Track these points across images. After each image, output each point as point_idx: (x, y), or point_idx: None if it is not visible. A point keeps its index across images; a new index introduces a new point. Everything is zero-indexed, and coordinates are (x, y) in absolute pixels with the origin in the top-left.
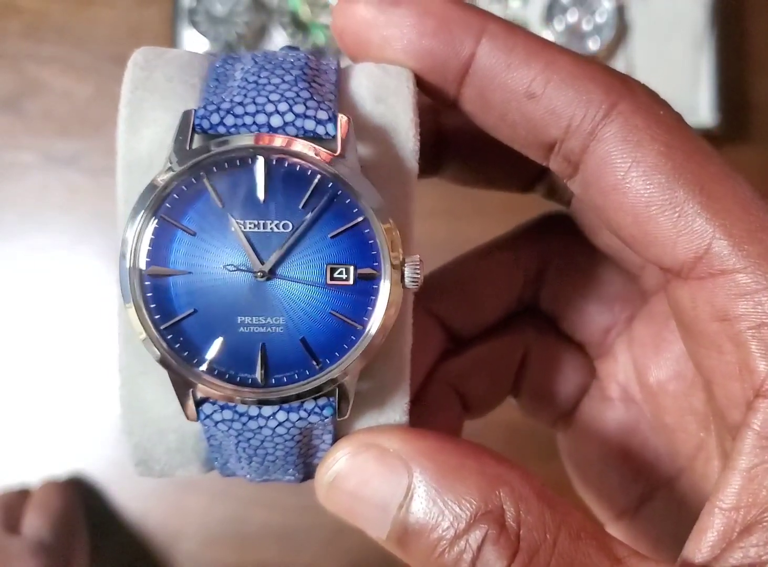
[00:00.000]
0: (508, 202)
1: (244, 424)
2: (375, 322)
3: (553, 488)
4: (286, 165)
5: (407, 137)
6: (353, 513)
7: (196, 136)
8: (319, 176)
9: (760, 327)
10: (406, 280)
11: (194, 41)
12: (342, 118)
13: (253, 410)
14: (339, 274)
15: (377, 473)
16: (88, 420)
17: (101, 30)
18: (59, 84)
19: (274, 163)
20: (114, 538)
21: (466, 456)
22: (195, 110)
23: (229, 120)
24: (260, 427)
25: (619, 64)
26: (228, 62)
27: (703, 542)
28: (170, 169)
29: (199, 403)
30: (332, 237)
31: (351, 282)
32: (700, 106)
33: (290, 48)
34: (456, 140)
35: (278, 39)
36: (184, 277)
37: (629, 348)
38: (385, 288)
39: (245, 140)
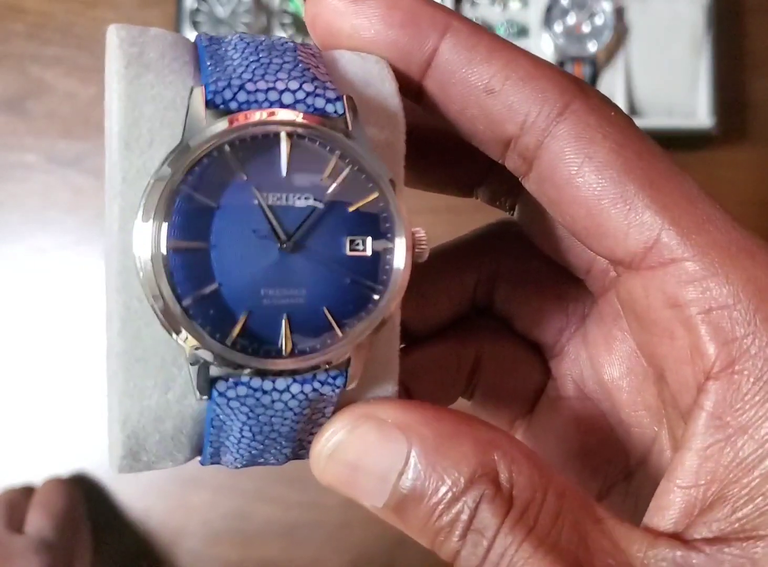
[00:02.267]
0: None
1: (257, 399)
2: (390, 290)
3: None
4: (307, 140)
5: (398, 119)
6: (351, 484)
7: (207, 112)
8: (338, 152)
9: (709, 312)
10: (416, 251)
11: None
12: (349, 98)
13: (267, 384)
14: (357, 245)
15: (377, 443)
16: (90, 419)
17: (104, 31)
18: (63, 85)
19: (295, 138)
20: (117, 535)
21: (460, 423)
22: (206, 85)
23: (242, 96)
24: (273, 401)
25: (618, 66)
26: (214, 42)
27: (665, 519)
28: (187, 146)
29: (212, 381)
30: (351, 210)
31: (368, 253)
32: (698, 108)
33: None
34: None
35: None
36: (202, 251)
37: (583, 347)
38: (399, 258)
39: (266, 115)
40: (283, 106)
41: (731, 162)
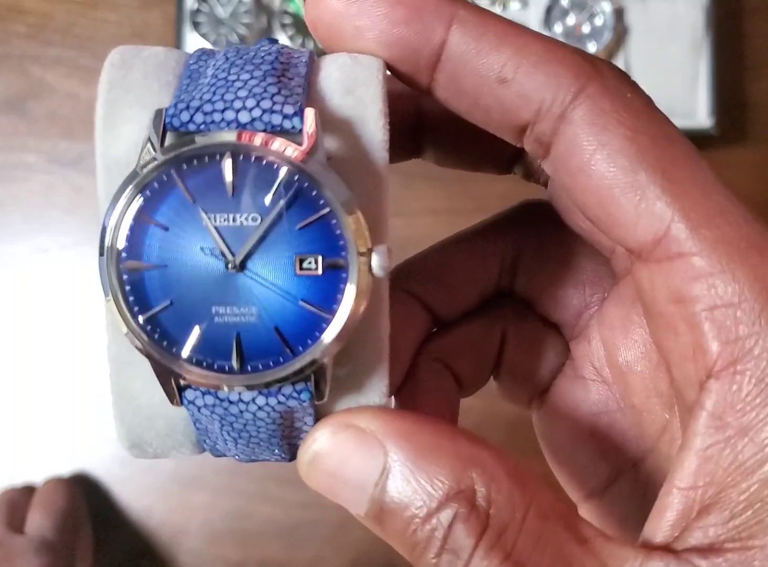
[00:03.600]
0: (508, 200)
1: (225, 408)
2: (344, 309)
3: (554, 479)
4: (253, 159)
5: (376, 128)
6: (333, 492)
7: (168, 134)
8: (285, 169)
9: (713, 309)
10: (374, 268)
11: (197, 43)
12: (309, 112)
13: (233, 395)
14: (308, 264)
15: (354, 453)
16: (91, 418)
17: (105, 32)
18: (63, 86)
19: (241, 157)
20: (117, 535)
21: (441, 436)
22: (166, 109)
23: (199, 117)
24: (241, 412)
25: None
26: (202, 59)
27: (663, 522)
28: (135, 172)
29: (181, 390)
30: (299, 228)
31: (319, 272)
32: (697, 108)
33: (270, 40)
34: (434, 123)
35: (280, 41)
36: (159, 271)
37: (600, 330)
38: (352, 277)
39: (211, 137)
40: (239, 124)
41: (730, 162)
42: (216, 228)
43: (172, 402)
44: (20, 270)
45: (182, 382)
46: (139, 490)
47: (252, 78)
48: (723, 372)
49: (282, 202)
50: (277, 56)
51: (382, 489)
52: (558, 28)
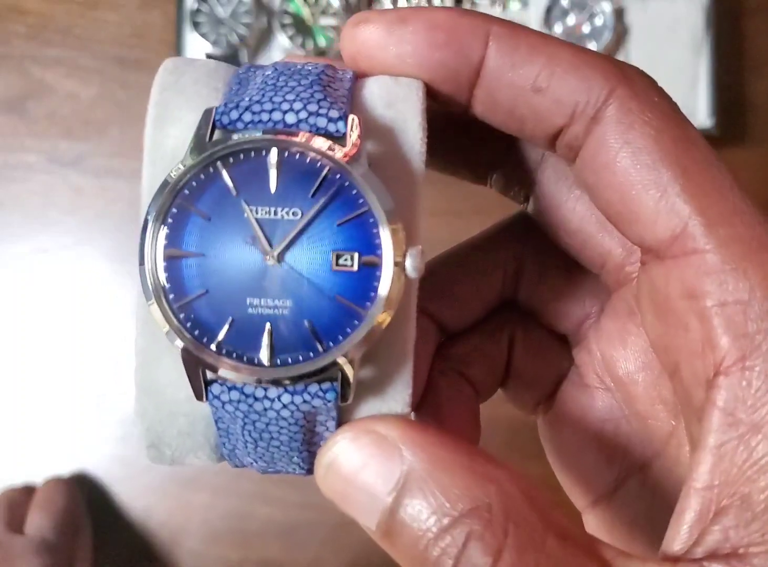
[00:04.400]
0: (507, 201)
1: (250, 405)
2: (377, 307)
3: (553, 482)
4: (297, 156)
5: (415, 139)
6: (347, 498)
7: (216, 132)
8: (327, 168)
9: (723, 305)
10: (407, 268)
11: (197, 43)
12: (353, 118)
13: (259, 392)
14: (344, 260)
15: (373, 459)
16: (91, 418)
17: (105, 32)
18: (63, 86)
19: (286, 154)
20: (117, 535)
21: (459, 452)
22: (216, 107)
23: (247, 116)
24: (265, 409)
25: None
26: (251, 70)
27: (681, 526)
28: (184, 163)
29: (208, 384)
30: (339, 225)
31: (355, 268)
32: (698, 108)
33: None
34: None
35: (280, 41)
36: (197, 259)
37: (598, 343)
38: (387, 275)
39: (258, 133)
40: (286, 125)
41: (731, 163)
42: (257, 220)
43: (198, 397)
44: (20, 269)
45: (209, 376)
46: (139, 491)
47: (299, 85)
48: (732, 368)
49: (323, 199)
50: (324, 70)
51: (396, 499)
52: (558, 28)
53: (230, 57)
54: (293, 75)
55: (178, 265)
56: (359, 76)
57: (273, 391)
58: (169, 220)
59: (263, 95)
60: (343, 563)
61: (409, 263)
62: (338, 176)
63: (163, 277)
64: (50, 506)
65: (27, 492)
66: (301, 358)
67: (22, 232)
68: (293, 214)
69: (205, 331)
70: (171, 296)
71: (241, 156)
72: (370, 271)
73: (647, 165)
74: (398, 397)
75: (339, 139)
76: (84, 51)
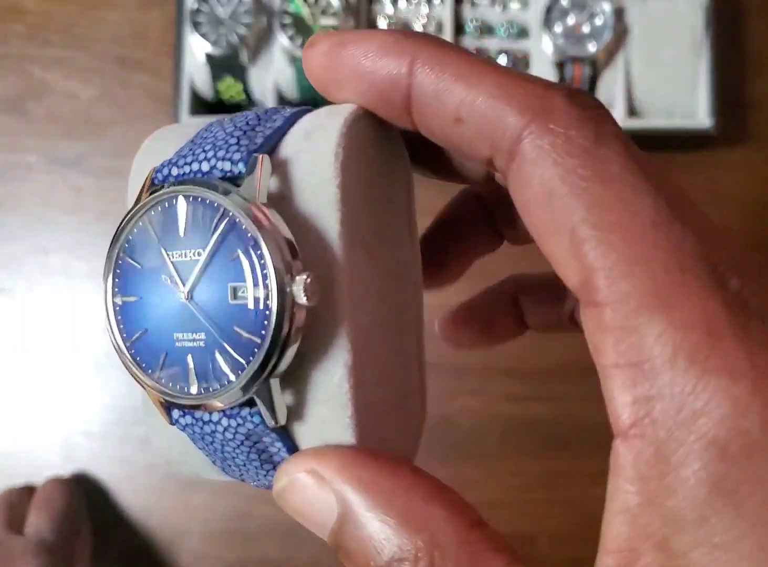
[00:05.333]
0: None
1: (201, 428)
2: (269, 336)
3: (551, 480)
4: (198, 201)
5: (326, 168)
6: (301, 522)
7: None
8: (222, 208)
9: (617, 366)
10: (296, 295)
11: (197, 43)
12: (255, 157)
13: (206, 416)
14: (242, 292)
15: (312, 499)
16: (91, 418)
17: (105, 32)
18: (63, 86)
19: (190, 200)
20: (117, 535)
21: (395, 492)
22: (155, 167)
23: (174, 170)
24: (213, 431)
25: (617, 67)
26: (212, 125)
27: None
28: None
29: (168, 409)
30: (232, 260)
31: (250, 300)
32: (697, 108)
33: (286, 107)
34: (415, 143)
35: (280, 41)
36: (135, 303)
37: None
38: (274, 305)
39: (172, 185)
40: (202, 174)
41: (731, 162)
42: (173, 263)
43: (167, 421)
44: (19, 269)
45: (165, 401)
46: (139, 491)
47: (224, 132)
48: (627, 434)
49: (216, 236)
50: (258, 114)
51: (338, 536)
52: (558, 28)
53: (230, 57)
54: (227, 125)
55: (123, 309)
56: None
57: (215, 415)
58: (117, 271)
59: (190, 149)
60: (342, 564)
61: (296, 291)
62: (230, 214)
63: (114, 320)
64: (50, 506)
65: (27, 492)
66: (219, 386)
67: (21, 232)
68: (197, 254)
69: (148, 364)
70: (124, 336)
71: (159, 207)
72: (261, 302)
73: (555, 208)
74: (338, 420)
75: (242, 178)
76: (84, 51)
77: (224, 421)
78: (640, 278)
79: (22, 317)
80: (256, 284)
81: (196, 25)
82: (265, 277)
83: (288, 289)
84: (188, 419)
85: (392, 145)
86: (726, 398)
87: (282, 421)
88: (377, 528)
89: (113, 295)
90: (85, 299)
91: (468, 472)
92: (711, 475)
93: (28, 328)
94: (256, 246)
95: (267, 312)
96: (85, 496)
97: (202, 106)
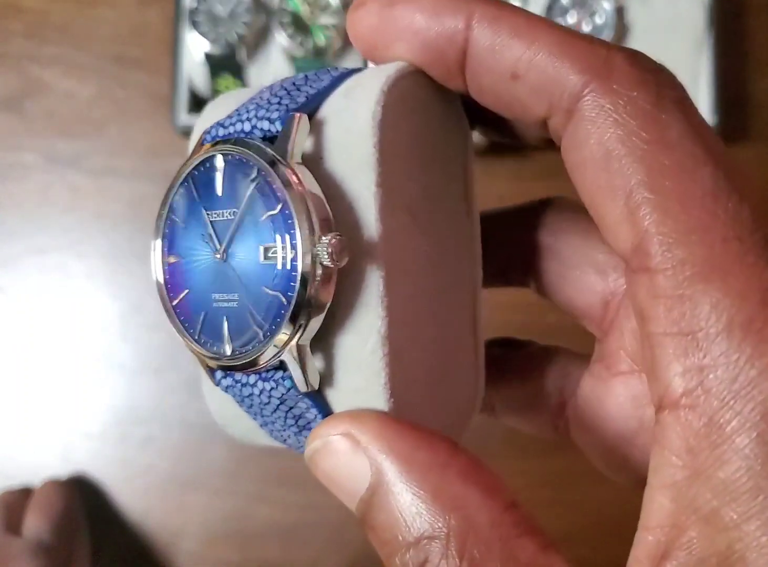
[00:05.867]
0: (507, 200)
1: (240, 390)
2: (294, 297)
3: (555, 480)
4: (236, 160)
5: (364, 123)
6: (330, 488)
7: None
8: (256, 168)
9: (665, 335)
10: (321, 257)
11: (195, 42)
12: (293, 116)
13: (243, 378)
14: (272, 253)
15: (344, 465)
16: (89, 419)
17: (103, 30)
18: (61, 84)
19: (229, 158)
20: (115, 537)
21: (431, 466)
22: (206, 129)
23: (221, 131)
24: (251, 395)
25: None
26: (264, 88)
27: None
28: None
29: (213, 371)
30: (263, 220)
31: (279, 260)
32: (700, 106)
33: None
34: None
35: (279, 40)
36: (179, 263)
37: (630, 318)
38: (299, 265)
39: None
40: (244, 134)
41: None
42: (211, 222)
43: (213, 382)
44: (17, 269)
45: (205, 362)
46: (137, 492)
47: (270, 93)
48: (674, 405)
49: (248, 196)
50: (313, 74)
51: (368, 505)
52: None
53: (229, 55)
54: (274, 85)
55: (170, 270)
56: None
57: (252, 378)
58: (166, 231)
59: (236, 110)
60: (343, 564)
61: (320, 251)
62: (263, 173)
63: (163, 280)
64: (47, 508)
65: (24, 494)
66: (250, 347)
67: (19, 232)
68: (233, 213)
69: (190, 324)
70: (171, 296)
71: (201, 168)
72: (290, 262)
73: (612, 170)
74: (372, 388)
75: (277, 137)
76: (82, 49)
77: (260, 384)
78: (697, 246)
79: (19, 317)
80: (284, 245)
81: (195, 24)
82: (292, 237)
83: (314, 250)
84: (229, 381)
85: (448, 107)
86: None
87: (314, 385)
88: (409, 501)
89: (163, 256)
90: (83, 299)
91: None
92: None
93: (26, 328)
94: (285, 206)
95: (294, 273)
96: (83, 497)
97: (200, 104)
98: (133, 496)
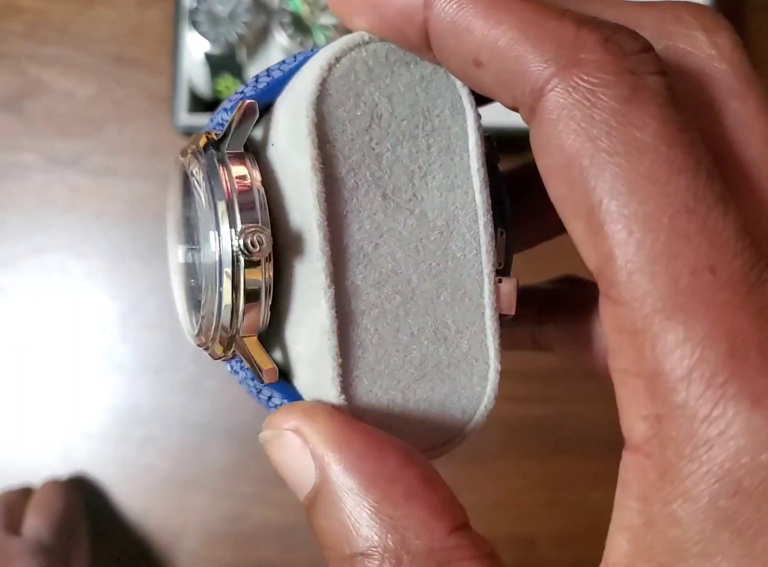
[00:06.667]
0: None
1: (234, 376)
2: (216, 293)
3: (552, 481)
4: (195, 157)
5: (302, 101)
6: (282, 476)
7: None
8: (201, 161)
9: (626, 372)
10: (238, 251)
11: (195, 42)
12: (240, 103)
13: (227, 365)
14: (211, 247)
15: (293, 459)
16: (89, 419)
17: (102, 30)
18: (60, 84)
19: (195, 155)
20: (114, 537)
21: (376, 480)
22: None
23: (210, 125)
24: (240, 381)
25: None
26: None
27: None
28: None
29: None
30: (206, 213)
31: (212, 254)
32: None
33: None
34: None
35: (279, 40)
36: (193, 249)
37: None
38: (221, 259)
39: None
40: (216, 126)
41: None
42: (185, 218)
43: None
44: (17, 269)
45: None
46: (137, 493)
47: (244, 84)
48: (635, 449)
49: (198, 190)
50: (287, 58)
51: (311, 506)
52: None
53: (229, 55)
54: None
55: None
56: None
57: (234, 364)
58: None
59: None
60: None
61: (239, 245)
62: (204, 168)
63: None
64: (47, 508)
65: (24, 493)
66: (208, 340)
67: (18, 232)
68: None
69: (197, 307)
70: None
71: (184, 171)
72: (218, 256)
73: (576, 182)
74: (324, 384)
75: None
76: (81, 49)
77: (231, 367)
78: (662, 277)
79: (19, 317)
80: (214, 239)
81: (195, 24)
82: (218, 231)
83: (233, 244)
84: (227, 367)
85: (432, 72)
86: (744, 428)
87: (269, 379)
88: (349, 513)
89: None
90: (83, 299)
91: (468, 474)
92: (720, 509)
93: (25, 328)
94: (210, 199)
95: (220, 267)
96: (82, 497)
97: (200, 104)
98: (132, 496)
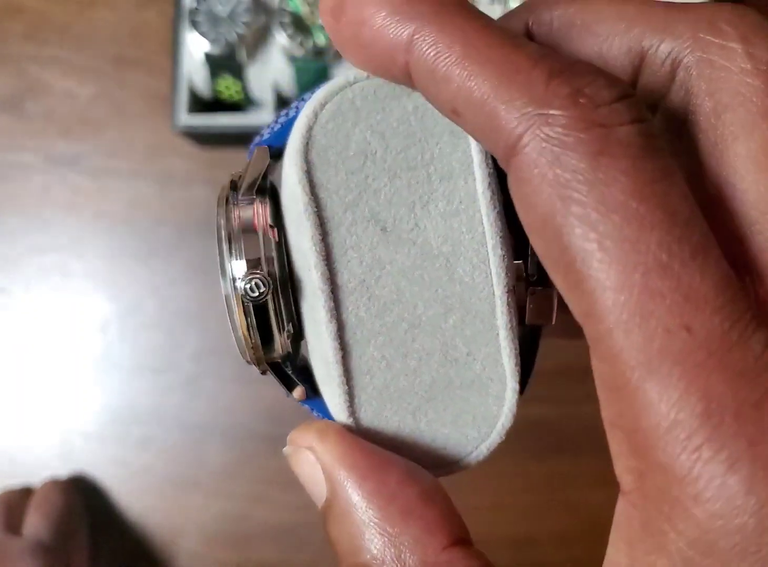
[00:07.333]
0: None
1: None
2: (237, 328)
3: (552, 481)
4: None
5: (292, 149)
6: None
7: None
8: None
9: (612, 424)
10: (244, 292)
11: (195, 42)
12: (255, 150)
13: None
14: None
15: (309, 474)
16: (89, 419)
17: (102, 31)
18: (61, 85)
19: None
20: (114, 537)
21: (376, 497)
22: None
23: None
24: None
25: None
26: None
27: None
28: None
29: None
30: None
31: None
32: None
33: None
34: None
35: (279, 40)
36: None
37: None
38: (231, 301)
39: None
40: None
41: None
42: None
43: None
44: (17, 269)
45: None
46: (137, 493)
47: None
48: (624, 494)
49: (221, 232)
50: (301, 99)
51: (326, 516)
52: None
53: (229, 56)
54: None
55: None
56: None
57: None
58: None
59: None
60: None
61: (242, 286)
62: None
63: None
64: (47, 508)
65: (25, 493)
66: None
67: (18, 232)
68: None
69: None
70: None
71: None
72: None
73: (550, 240)
74: (338, 406)
75: None
76: (81, 50)
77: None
78: (636, 336)
79: (18, 317)
80: (222, 280)
81: (195, 24)
82: (224, 275)
83: (238, 285)
84: None
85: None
86: (719, 492)
87: (298, 398)
88: (353, 527)
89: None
90: (82, 299)
91: (468, 474)
92: None
93: (25, 328)
94: (220, 244)
95: (229, 304)
96: (82, 497)
97: (200, 105)
98: (132, 496)
